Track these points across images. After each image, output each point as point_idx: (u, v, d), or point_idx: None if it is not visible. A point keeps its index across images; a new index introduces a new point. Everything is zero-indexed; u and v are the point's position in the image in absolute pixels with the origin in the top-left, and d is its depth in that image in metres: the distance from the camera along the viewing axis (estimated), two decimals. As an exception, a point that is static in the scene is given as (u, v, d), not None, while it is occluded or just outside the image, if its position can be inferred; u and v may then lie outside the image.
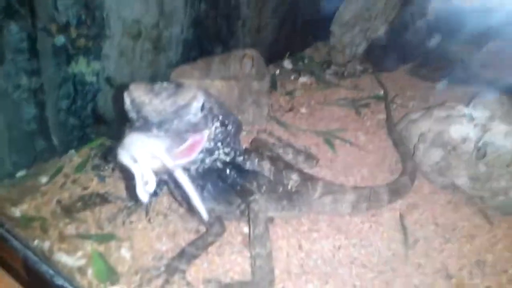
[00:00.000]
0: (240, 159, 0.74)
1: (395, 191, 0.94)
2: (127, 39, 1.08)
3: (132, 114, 0.59)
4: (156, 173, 0.54)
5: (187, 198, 0.56)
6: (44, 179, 0.91)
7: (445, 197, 1.02)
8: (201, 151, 0.64)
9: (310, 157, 1.02)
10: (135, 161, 0.53)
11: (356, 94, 1.48)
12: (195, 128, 0.62)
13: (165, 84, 0.62)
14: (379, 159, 1.11)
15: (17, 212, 0.81)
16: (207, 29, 1.32)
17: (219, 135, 0.68)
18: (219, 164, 0.70)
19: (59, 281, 0.69)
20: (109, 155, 0.71)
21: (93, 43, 1.01)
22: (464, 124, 1.03)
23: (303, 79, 1.54)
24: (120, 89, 0.62)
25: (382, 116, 1.32)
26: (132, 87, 0.60)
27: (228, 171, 0.71)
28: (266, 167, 0.81)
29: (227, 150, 0.70)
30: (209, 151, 0.67)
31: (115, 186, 0.91)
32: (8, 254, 0.76)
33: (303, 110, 1.31)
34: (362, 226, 0.88)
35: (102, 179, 0.92)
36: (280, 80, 1.53)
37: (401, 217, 0.92)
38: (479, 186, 0.97)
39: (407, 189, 0.97)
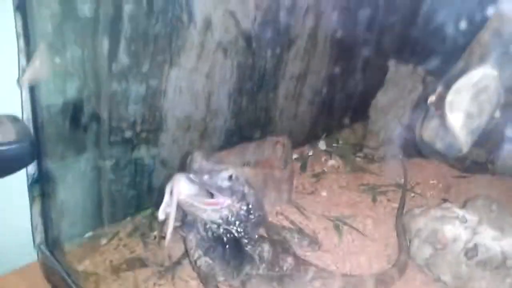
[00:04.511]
0: (245, 241, 0.96)
1: (382, 281, 1.09)
2: (179, 131, 1.37)
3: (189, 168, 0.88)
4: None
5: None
6: (104, 241, 1.19)
7: (436, 290, 1.14)
8: (221, 218, 0.89)
9: (313, 242, 1.20)
10: (171, 189, 0.82)
11: (379, 180, 1.64)
12: (220, 191, 0.87)
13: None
14: (380, 248, 1.26)
15: (81, 266, 1.09)
16: (247, 119, 1.58)
17: (242, 217, 0.93)
18: (228, 236, 0.94)
19: (102, 326, 0.95)
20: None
21: (152, 135, 1.31)
22: (456, 225, 1.16)
23: (332, 162, 1.73)
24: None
25: (397, 204, 1.46)
26: (196, 153, 0.90)
27: (230, 245, 0.94)
28: (266, 249, 1.02)
29: (240, 229, 0.94)
30: (227, 223, 0.92)
31: (155, 252, 1.16)
32: (72, 300, 1.04)
33: (323, 193, 1.50)
34: (346, 310, 1.04)
35: (145, 245, 1.19)
36: (312, 161, 1.74)
37: (384, 305, 1.06)
38: (461, 285, 1.09)
39: (394, 280, 1.11)
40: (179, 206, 0.87)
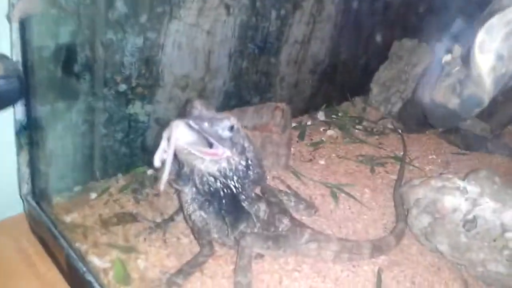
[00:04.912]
0: (242, 197, 0.91)
1: (378, 248, 1.07)
2: (176, 89, 1.32)
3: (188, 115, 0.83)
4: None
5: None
6: (93, 195, 1.15)
7: (431, 260, 1.12)
8: (219, 170, 0.85)
9: (310, 206, 1.17)
10: (169, 136, 0.77)
11: (378, 152, 1.61)
12: (220, 142, 0.82)
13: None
14: (377, 216, 1.24)
15: (68, 219, 1.05)
16: (246, 82, 1.53)
17: (240, 172, 0.88)
18: (225, 191, 0.89)
19: (89, 277, 0.91)
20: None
21: (148, 91, 1.26)
22: (456, 196, 1.13)
23: (330, 132, 1.70)
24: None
25: (395, 176, 1.43)
26: (197, 101, 0.85)
27: (227, 200, 0.89)
28: (262, 209, 0.99)
29: (237, 185, 0.89)
30: (225, 176, 0.87)
31: (146, 209, 1.13)
32: (57, 250, 1.00)
33: (321, 162, 1.47)
34: (340, 274, 1.01)
35: (137, 201, 1.15)
36: (311, 130, 1.70)
37: (379, 271, 1.03)
38: (458, 255, 1.07)
39: (390, 248, 1.09)
40: (175, 155, 0.82)
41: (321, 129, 1.72)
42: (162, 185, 0.80)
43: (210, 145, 0.83)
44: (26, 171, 1.09)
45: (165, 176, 0.78)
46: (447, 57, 1.02)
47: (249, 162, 0.89)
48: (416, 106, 1.73)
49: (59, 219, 1.04)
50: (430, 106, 1.15)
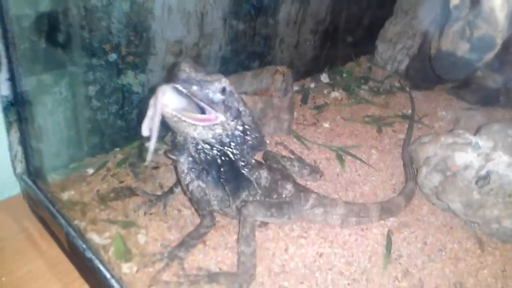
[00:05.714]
0: (241, 164, 0.85)
1: (387, 209, 1.02)
2: (169, 56, 1.26)
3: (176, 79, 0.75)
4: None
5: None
6: (90, 171, 1.12)
7: (443, 219, 1.08)
8: (214, 137, 0.80)
9: (314, 171, 1.13)
10: (156, 103, 0.71)
11: (385, 111, 1.55)
12: (211, 106, 0.76)
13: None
14: (386, 177, 1.19)
15: (65, 196, 1.02)
16: (244, 46, 1.46)
17: (237, 138, 0.82)
18: (223, 158, 0.84)
19: (89, 254, 0.88)
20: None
21: (140, 60, 1.20)
22: (468, 152, 1.08)
23: (335, 94, 1.63)
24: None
25: (403, 135, 1.38)
26: (184, 63, 0.77)
27: (225, 168, 0.84)
28: (263, 175, 0.94)
29: (235, 151, 0.83)
30: (221, 143, 0.81)
31: (145, 182, 1.09)
32: (56, 228, 0.97)
33: (326, 124, 1.41)
34: (348, 238, 0.98)
35: (135, 175, 1.11)
36: (314, 93, 1.64)
37: (389, 232, 1.00)
38: (471, 213, 1.02)
39: (400, 208, 1.05)
40: (166, 122, 0.76)
41: (325, 92, 1.66)
42: (150, 154, 0.75)
43: (202, 110, 0.77)
44: (18, 149, 1.05)
45: (152, 145, 0.73)
46: (455, 0, 0.93)
47: (246, 126, 0.84)
48: (424, 62, 1.65)
49: (56, 197, 1.01)
50: (438, 56, 1.07)
